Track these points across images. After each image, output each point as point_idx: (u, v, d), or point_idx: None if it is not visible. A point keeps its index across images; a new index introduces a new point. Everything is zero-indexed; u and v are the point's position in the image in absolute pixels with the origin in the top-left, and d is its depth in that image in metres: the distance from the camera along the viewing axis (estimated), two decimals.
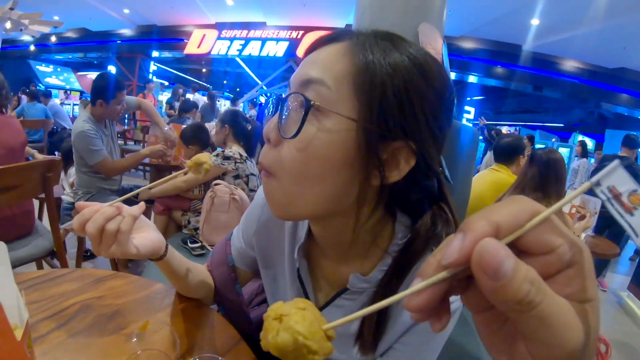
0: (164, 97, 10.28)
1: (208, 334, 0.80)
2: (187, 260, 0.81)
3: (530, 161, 1.94)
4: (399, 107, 0.48)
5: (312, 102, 0.48)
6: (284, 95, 0.52)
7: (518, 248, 0.24)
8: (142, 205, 0.68)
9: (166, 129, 2.80)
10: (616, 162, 0.25)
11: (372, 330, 0.60)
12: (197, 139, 2.53)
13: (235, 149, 2.26)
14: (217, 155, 2.18)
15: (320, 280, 0.71)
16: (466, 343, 1.27)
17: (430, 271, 0.25)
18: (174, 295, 0.88)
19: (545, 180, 1.86)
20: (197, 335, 0.77)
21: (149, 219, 0.78)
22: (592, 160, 7.19)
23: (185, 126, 2.87)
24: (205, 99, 8.27)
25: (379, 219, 0.59)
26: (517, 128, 13.99)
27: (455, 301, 0.58)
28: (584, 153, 6.70)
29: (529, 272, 0.22)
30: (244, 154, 2.29)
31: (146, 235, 0.70)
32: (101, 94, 2.34)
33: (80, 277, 0.93)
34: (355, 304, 0.66)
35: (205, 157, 0.79)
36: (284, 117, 0.51)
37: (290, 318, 0.32)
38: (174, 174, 0.78)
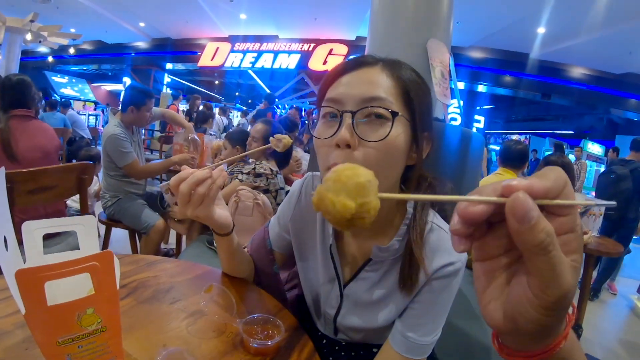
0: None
1: (256, 302, 0.91)
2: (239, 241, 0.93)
3: (546, 165, 2.02)
4: (425, 107, 0.70)
5: (399, 113, 0.64)
6: (353, 110, 0.64)
7: (546, 210, 0.30)
8: (225, 174, 0.77)
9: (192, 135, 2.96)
10: None
11: (410, 272, 0.74)
12: (242, 140, 2.65)
13: (265, 164, 2.25)
14: (248, 173, 2.19)
15: (348, 256, 0.84)
16: (474, 332, 1.39)
17: (488, 192, 0.31)
18: (220, 276, 1.00)
19: None
20: (248, 303, 0.89)
21: None
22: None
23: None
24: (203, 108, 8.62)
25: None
26: (527, 136, 13.95)
27: (458, 261, 0.74)
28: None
29: (548, 226, 0.28)
30: (275, 169, 2.29)
31: (224, 210, 0.83)
32: (133, 101, 2.50)
33: (133, 261, 1.05)
34: (377, 274, 0.80)
35: (283, 135, 0.97)
36: (358, 126, 0.64)
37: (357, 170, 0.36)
38: (260, 147, 0.89)
